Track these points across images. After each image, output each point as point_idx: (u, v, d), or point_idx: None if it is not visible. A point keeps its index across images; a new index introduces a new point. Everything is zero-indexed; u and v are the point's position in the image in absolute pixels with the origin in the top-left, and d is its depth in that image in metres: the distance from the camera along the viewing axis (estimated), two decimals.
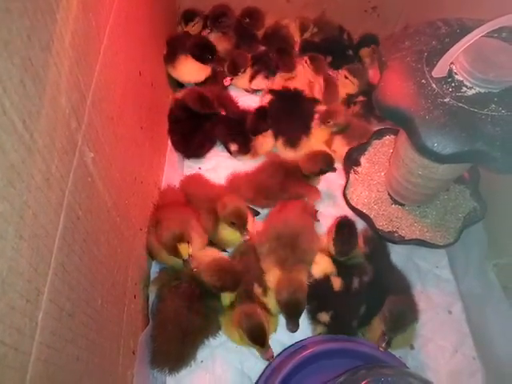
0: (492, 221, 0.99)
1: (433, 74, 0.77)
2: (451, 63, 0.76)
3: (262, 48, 1.34)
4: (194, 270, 0.86)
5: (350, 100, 1.24)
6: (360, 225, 1.04)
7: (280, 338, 0.90)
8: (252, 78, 1.27)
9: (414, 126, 0.72)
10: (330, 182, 1.14)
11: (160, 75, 1.17)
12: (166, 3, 1.27)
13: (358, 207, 1.04)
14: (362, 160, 1.12)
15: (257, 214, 1.06)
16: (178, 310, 0.84)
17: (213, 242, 0.98)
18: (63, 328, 0.50)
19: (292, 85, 1.23)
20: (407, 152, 0.89)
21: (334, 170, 1.04)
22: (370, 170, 1.11)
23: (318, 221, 1.05)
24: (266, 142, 1.15)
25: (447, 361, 0.92)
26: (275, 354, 0.84)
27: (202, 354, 0.88)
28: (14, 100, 0.39)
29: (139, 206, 0.88)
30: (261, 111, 1.14)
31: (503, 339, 0.88)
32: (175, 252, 0.86)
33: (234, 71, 1.24)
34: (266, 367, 0.83)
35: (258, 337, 0.80)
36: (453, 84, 0.76)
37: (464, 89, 0.75)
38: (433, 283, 1.01)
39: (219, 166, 1.17)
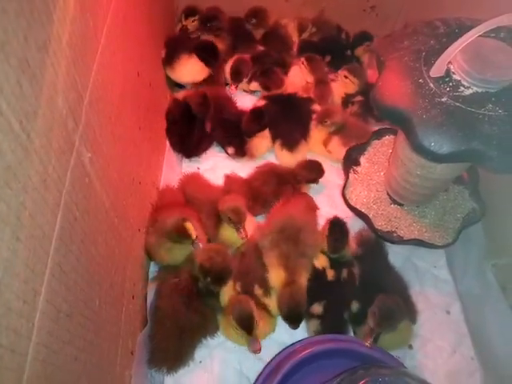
0: (491, 221, 0.99)
1: (430, 73, 0.77)
2: (449, 63, 0.77)
3: (260, 48, 1.34)
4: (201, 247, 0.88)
5: (348, 100, 1.24)
6: (358, 224, 1.04)
7: (279, 337, 0.90)
8: (251, 79, 1.28)
9: (412, 125, 0.72)
10: (329, 182, 1.14)
11: (158, 75, 1.16)
12: (164, 3, 1.27)
13: (357, 207, 1.04)
14: (362, 160, 1.13)
15: None
16: (176, 307, 0.84)
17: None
18: (60, 329, 0.50)
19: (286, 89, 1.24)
20: (405, 152, 0.89)
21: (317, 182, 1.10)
22: (370, 169, 1.11)
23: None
24: (262, 145, 1.15)
25: (445, 361, 0.92)
26: (274, 354, 0.84)
27: (201, 353, 0.88)
28: (10, 101, 0.39)
29: (137, 207, 0.88)
30: (256, 113, 1.14)
31: (501, 339, 0.88)
32: (183, 233, 0.86)
33: (238, 79, 1.24)
34: (265, 367, 0.83)
35: (245, 323, 0.80)
36: (450, 83, 0.76)
37: (461, 88, 0.75)
38: (431, 283, 1.01)
39: (217, 166, 1.17)
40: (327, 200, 1.12)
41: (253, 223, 0.99)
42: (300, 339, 0.86)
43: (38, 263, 0.45)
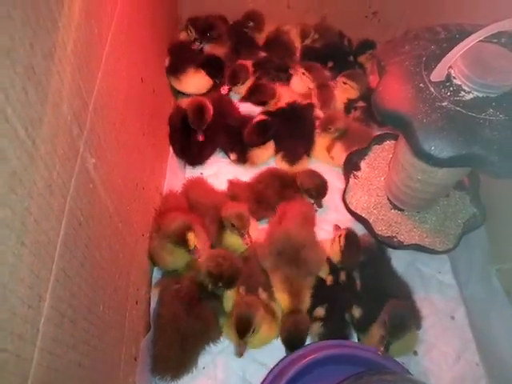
0: (494, 226, 0.99)
1: (431, 78, 0.77)
2: (449, 67, 0.77)
3: (263, 54, 1.35)
4: (199, 259, 0.88)
5: (350, 105, 1.25)
6: (359, 229, 1.04)
7: (281, 344, 0.90)
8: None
9: (412, 129, 0.73)
10: (330, 187, 1.14)
11: (162, 81, 1.17)
12: (167, 10, 1.28)
13: (358, 212, 1.04)
14: (362, 165, 1.13)
15: None
16: (178, 314, 0.84)
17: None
18: (65, 334, 0.50)
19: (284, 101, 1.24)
20: (406, 156, 0.89)
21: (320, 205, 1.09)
22: (370, 174, 1.11)
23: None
24: (263, 154, 1.16)
25: (450, 367, 0.91)
26: (277, 360, 0.84)
27: (204, 360, 0.88)
28: (16, 107, 0.40)
29: (141, 212, 0.88)
30: (260, 126, 1.14)
31: (507, 345, 0.88)
32: (183, 240, 0.86)
33: (234, 82, 1.25)
34: (268, 373, 0.82)
35: (242, 326, 0.80)
36: (451, 88, 0.76)
37: (462, 93, 0.76)
38: (435, 289, 1.01)
39: (220, 171, 1.18)
40: (328, 204, 1.12)
41: (256, 228, 0.99)
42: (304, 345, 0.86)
43: (43, 268, 0.45)
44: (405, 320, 0.81)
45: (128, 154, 0.79)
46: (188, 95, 1.30)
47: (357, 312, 0.89)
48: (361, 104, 1.23)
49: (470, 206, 1.05)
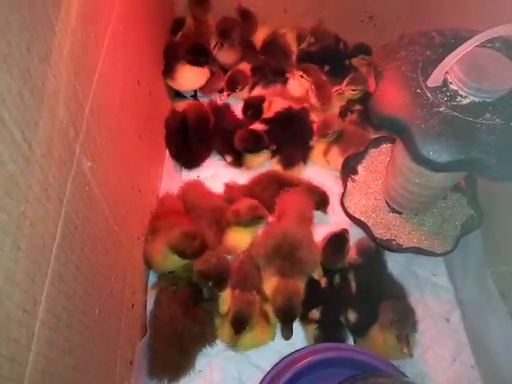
0: (489, 229, 0.99)
1: (428, 83, 0.77)
2: (446, 73, 0.77)
3: (261, 58, 1.35)
4: None
5: (347, 109, 1.25)
6: (358, 232, 1.05)
7: (278, 346, 0.90)
8: (252, 88, 1.29)
9: (410, 134, 0.73)
10: (328, 191, 1.14)
11: (158, 84, 1.17)
12: (163, 13, 1.29)
13: (356, 215, 1.04)
14: (360, 168, 1.13)
15: None
16: (174, 316, 0.84)
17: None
18: (60, 338, 0.50)
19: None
20: (404, 160, 0.90)
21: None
22: (368, 178, 1.11)
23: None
24: (257, 160, 1.16)
25: (446, 369, 0.91)
26: (273, 363, 0.84)
27: (200, 363, 0.88)
28: (12, 111, 0.40)
29: (137, 215, 0.88)
30: (255, 135, 1.13)
31: (502, 347, 0.88)
32: (182, 252, 0.87)
33: (232, 88, 1.25)
34: (265, 376, 0.82)
35: (239, 321, 0.81)
36: (448, 93, 0.77)
37: (459, 98, 0.76)
38: (431, 291, 1.01)
39: (217, 174, 1.18)
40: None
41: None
42: (299, 348, 0.86)
43: (39, 272, 0.45)
44: (408, 310, 0.84)
45: (124, 156, 0.79)
46: (185, 97, 1.31)
47: (352, 316, 0.89)
48: (357, 107, 1.23)
49: (467, 207, 1.05)
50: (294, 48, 1.39)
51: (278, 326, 0.89)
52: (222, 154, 1.19)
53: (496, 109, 0.74)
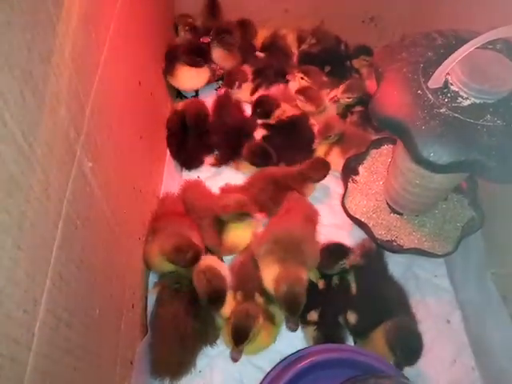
0: (490, 230, 0.99)
1: (429, 84, 0.77)
2: (447, 74, 0.77)
3: (262, 61, 1.35)
4: None
5: (347, 110, 1.25)
6: (359, 233, 1.05)
7: (279, 347, 0.90)
8: (254, 90, 1.29)
9: (411, 136, 0.73)
10: (329, 191, 1.14)
11: (159, 85, 1.18)
12: (164, 14, 1.29)
13: (357, 216, 1.04)
14: (361, 169, 1.13)
15: None
16: (176, 314, 0.84)
17: (211, 251, 0.98)
18: (60, 338, 0.50)
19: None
20: (404, 162, 0.90)
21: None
22: (369, 179, 1.11)
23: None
24: (250, 168, 1.15)
25: (446, 370, 0.91)
26: (274, 364, 0.84)
27: (201, 363, 0.88)
28: (13, 112, 0.40)
29: (138, 215, 0.88)
30: (263, 151, 1.13)
31: (502, 348, 0.88)
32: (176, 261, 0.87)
33: (229, 84, 1.25)
34: (265, 377, 0.82)
35: (239, 335, 0.79)
36: (448, 95, 0.77)
37: (460, 99, 0.76)
38: (431, 292, 1.01)
39: (217, 175, 1.18)
40: (328, 209, 1.12)
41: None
42: (300, 349, 0.86)
43: (39, 272, 0.45)
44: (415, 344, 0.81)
45: (125, 157, 0.79)
46: (187, 97, 1.31)
47: (352, 317, 0.89)
48: (358, 108, 1.23)
49: (468, 209, 1.05)
50: (294, 49, 1.39)
51: (282, 325, 0.89)
52: (213, 150, 1.19)
53: (497, 110, 0.74)
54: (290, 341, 0.91)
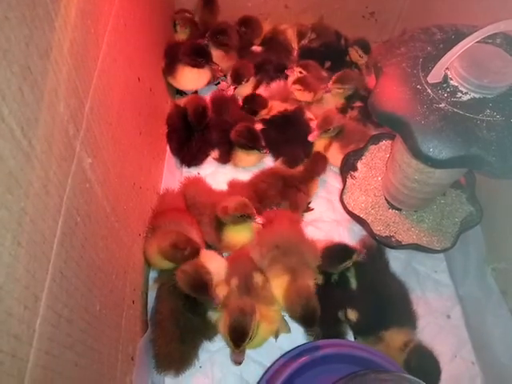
0: (490, 225, 1.00)
1: (428, 79, 0.77)
2: (446, 69, 0.77)
3: (260, 51, 1.35)
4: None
5: (347, 105, 1.25)
6: (358, 229, 1.05)
7: (279, 342, 0.90)
8: (256, 86, 1.28)
9: (410, 131, 0.73)
10: (328, 187, 1.14)
11: (159, 80, 1.17)
12: (164, 9, 1.28)
13: (355, 212, 1.04)
14: (359, 165, 1.13)
15: None
16: (175, 309, 0.84)
17: (211, 247, 0.99)
18: (61, 334, 0.50)
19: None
20: (403, 157, 0.90)
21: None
22: (367, 174, 1.11)
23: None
24: (247, 158, 1.15)
25: (446, 365, 0.91)
26: (274, 359, 0.84)
27: (201, 358, 0.88)
28: (12, 107, 0.40)
29: (138, 212, 0.88)
30: (252, 133, 1.12)
31: (502, 344, 0.88)
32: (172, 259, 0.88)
33: (238, 81, 1.24)
34: (265, 372, 0.82)
35: (238, 336, 0.79)
36: (448, 89, 0.77)
37: (459, 94, 0.76)
38: (431, 288, 1.01)
39: (218, 171, 1.18)
40: (327, 204, 1.13)
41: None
42: (300, 344, 0.86)
43: (39, 268, 0.45)
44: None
45: (125, 153, 0.79)
46: (186, 94, 1.31)
47: (352, 314, 0.89)
48: (358, 104, 1.23)
49: (466, 204, 1.05)
50: (294, 44, 1.39)
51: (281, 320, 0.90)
52: (214, 147, 1.18)
53: (496, 105, 0.74)
54: (291, 336, 0.91)
